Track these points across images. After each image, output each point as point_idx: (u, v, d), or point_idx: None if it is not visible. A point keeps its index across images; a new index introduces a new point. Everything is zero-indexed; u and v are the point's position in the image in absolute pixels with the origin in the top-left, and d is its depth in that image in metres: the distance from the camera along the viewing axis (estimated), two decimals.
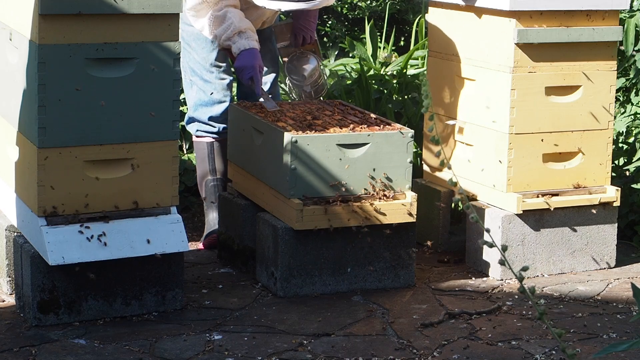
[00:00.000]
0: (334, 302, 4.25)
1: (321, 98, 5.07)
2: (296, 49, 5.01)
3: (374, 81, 6.03)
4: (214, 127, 4.85)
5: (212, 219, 4.88)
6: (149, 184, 3.99)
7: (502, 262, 2.13)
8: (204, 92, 4.82)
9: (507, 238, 4.54)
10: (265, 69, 4.98)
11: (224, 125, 4.82)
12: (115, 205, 3.94)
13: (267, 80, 4.99)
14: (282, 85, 5.62)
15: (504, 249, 2.11)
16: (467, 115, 4.72)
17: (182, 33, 4.78)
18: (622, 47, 5.59)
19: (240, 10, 4.63)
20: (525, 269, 2.19)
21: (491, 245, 2.09)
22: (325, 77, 5.11)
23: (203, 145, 4.88)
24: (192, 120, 4.89)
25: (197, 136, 4.90)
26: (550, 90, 4.57)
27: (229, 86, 4.87)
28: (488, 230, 2.14)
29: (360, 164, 4.28)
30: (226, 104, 4.82)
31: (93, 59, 3.84)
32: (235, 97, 5.19)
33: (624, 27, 5.44)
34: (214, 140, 4.87)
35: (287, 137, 4.21)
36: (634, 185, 5.15)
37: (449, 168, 2.14)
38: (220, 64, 4.82)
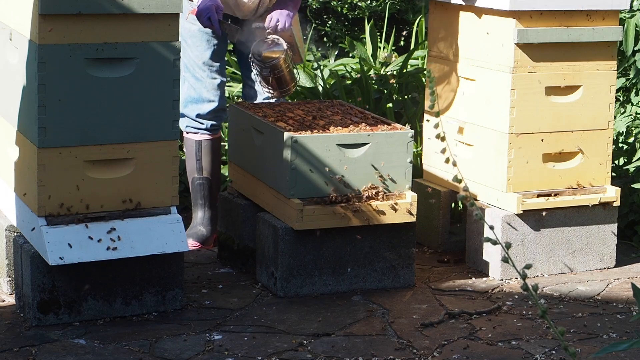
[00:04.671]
0: (334, 302, 4.25)
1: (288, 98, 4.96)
2: (266, 32, 4.74)
3: (374, 81, 6.03)
4: (202, 123, 4.86)
5: (199, 217, 4.88)
6: (149, 184, 3.99)
7: (505, 260, 2.13)
8: (194, 89, 4.82)
9: (507, 238, 4.54)
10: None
11: (212, 122, 4.85)
12: (115, 205, 3.94)
13: None
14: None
15: (508, 246, 2.10)
16: (467, 115, 4.72)
17: (180, 29, 4.77)
18: (623, 47, 5.59)
19: None
20: (528, 266, 2.19)
21: (495, 243, 2.08)
22: (295, 73, 4.88)
23: (192, 142, 4.89)
24: (181, 115, 4.89)
25: (187, 132, 4.90)
26: (550, 90, 4.57)
27: (220, 86, 4.86)
28: (492, 227, 2.14)
29: (360, 164, 4.28)
30: (215, 104, 4.83)
31: (93, 59, 3.84)
32: (237, 98, 5.19)
33: (624, 27, 5.44)
34: (203, 138, 4.87)
35: (287, 137, 4.21)
36: (634, 185, 5.15)
37: (454, 164, 2.13)
38: (214, 64, 4.83)
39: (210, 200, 4.89)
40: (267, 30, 4.73)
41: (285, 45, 4.74)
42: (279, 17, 4.73)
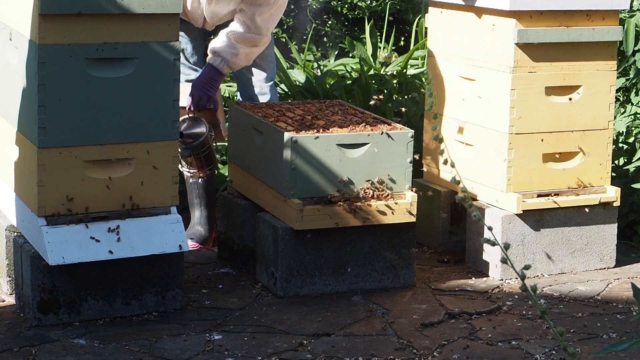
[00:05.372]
0: (334, 302, 4.25)
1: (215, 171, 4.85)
2: (189, 111, 4.64)
3: (374, 81, 6.03)
4: None
5: (197, 217, 4.88)
6: (149, 184, 3.99)
7: (504, 260, 2.12)
8: None
9: (507, 238, 4.54)
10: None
11: None
12: (115, 205, 3.94)
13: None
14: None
15: (506, 247, 2.10)
16: (467, 115, 4.72)
17: None
18: (623, 47, 5.59)
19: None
20: (527, 267, 2.19)
21: (493, 244, 2.08)
22: (215, 152, 4.75)
23: None
24: None
25: None
26: (550, 90, 4.57)
27: None
28: (490, 228, 2.14)
29: (360, 164, 4.28)
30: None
31: (93, 59, 3.84)
32: (236, 98, 5.19)
33: (624, 27, 5.44)
34: None
35: (287, 137, 4.21)
36: (634, 185, 5.15)
37: (452, 166, 2.14)
38: (185, 62, 4.85)
39: (206, 199, 4.89)
40: (187, 110, 4.62)
41: (205, 127, 4.59)
42: (199, 94, 4.63)
